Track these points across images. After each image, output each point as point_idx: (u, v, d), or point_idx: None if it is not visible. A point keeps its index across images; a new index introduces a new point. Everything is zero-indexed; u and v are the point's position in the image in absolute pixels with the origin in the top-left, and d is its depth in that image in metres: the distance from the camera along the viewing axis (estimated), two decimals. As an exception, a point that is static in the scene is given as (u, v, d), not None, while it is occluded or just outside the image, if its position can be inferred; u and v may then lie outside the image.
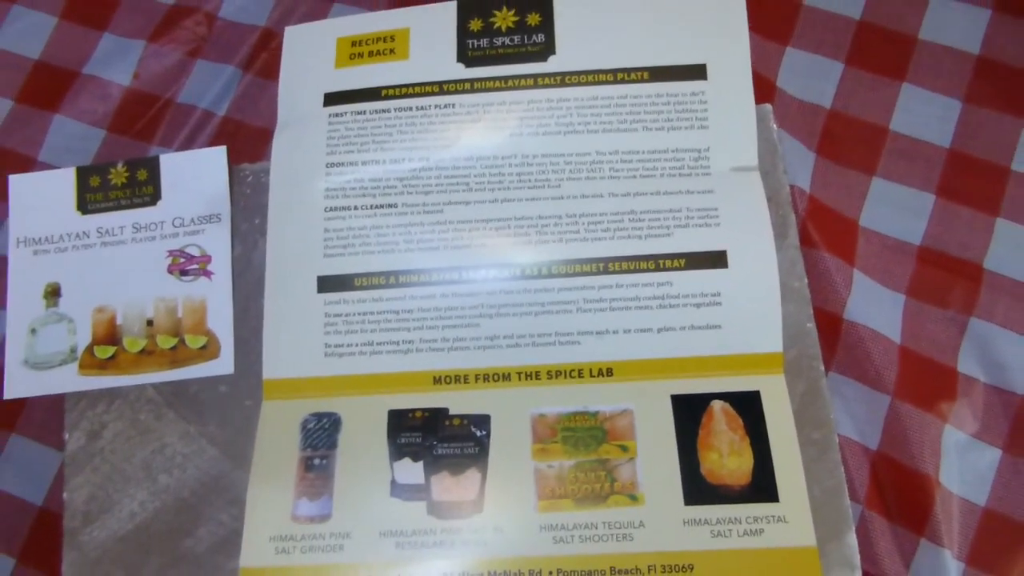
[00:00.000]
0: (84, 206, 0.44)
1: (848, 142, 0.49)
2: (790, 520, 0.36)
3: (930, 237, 0.47)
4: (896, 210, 0.48)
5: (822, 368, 0.40)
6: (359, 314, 0.41)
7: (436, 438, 0.39)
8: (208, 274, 0.43)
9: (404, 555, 0.36)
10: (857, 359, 0.45)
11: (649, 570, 0.35)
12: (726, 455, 0.37)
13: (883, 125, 0.49)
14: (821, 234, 0.47)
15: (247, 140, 0.49)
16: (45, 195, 0.44)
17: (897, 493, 0.43)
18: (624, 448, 0.38)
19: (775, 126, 0.44)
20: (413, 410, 0.40)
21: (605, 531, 0.36)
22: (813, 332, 0.40)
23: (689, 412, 0.38)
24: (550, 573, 0.36)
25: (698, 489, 0.37)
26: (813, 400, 0.39)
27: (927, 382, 0.44)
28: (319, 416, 0.40)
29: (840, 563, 0.37)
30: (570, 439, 0.38)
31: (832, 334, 0.45)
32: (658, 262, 0.40)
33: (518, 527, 0.37)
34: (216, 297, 0.42)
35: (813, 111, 0.50)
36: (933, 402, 0.44)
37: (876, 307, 0.46)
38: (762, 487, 0.37)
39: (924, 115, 0.49)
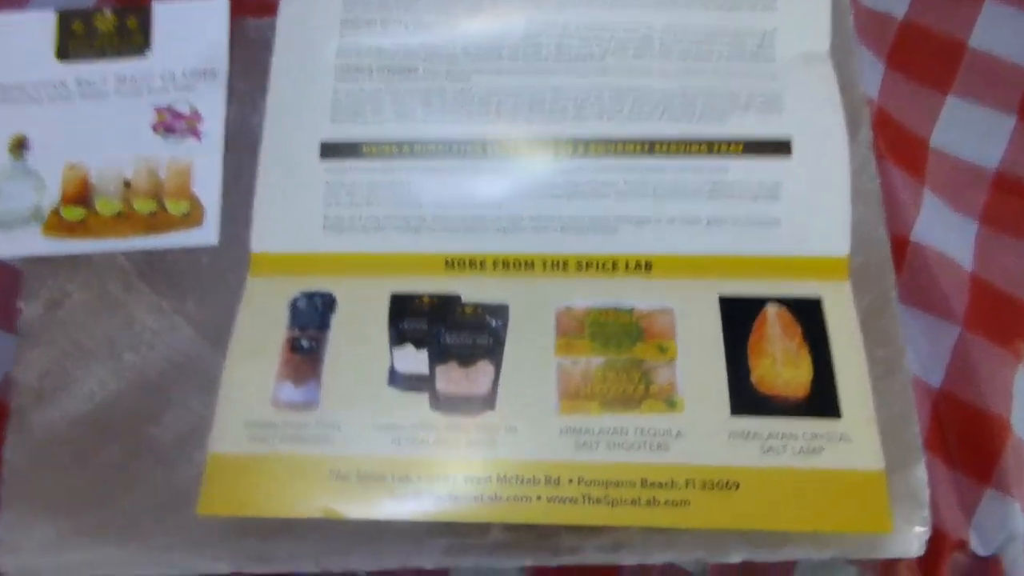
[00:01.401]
0: (64, 53, 0.39)
1: (922, 56, 0.44)
2: (854, 439, 0.31)
3: (1008, 162, 0.42)
4: (971, 132, 0.43)
5: (893, 278, 0.35)
6: (366, 185, 0.36)
7: (444, 326, 0.34)
8: (197, 134, 0.38)
9: (401, 452, 0.31)
10: (923, 285, 0.39)
11: (687, 484, 0.30)
12: (781, 364, 0.32)
13: (961, 40, 0.44)
14: (889, 148, 0.41)
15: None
16: (20, 38, 0.39)
17: (962, 436, 0.38)
18: (662, 349, 0.33)
19: (852, 15, 0.38)
20: (420, 295, 0.34)
21: (637, 438, 0.31)
22: (884, 239, 0.35)
23: (739, 315, 0.33)
24: (570, 481, 0.30)
25: (747, 398, 0.32)
26: (881, 313, 0.34)
27: (1001, 316, 0.39)
28: (311, 295, 0.35)
29: (906, 497, 0.31)
30: (600, 335, 0.33)
31: (897, 256, 0.39)
32: (711, 146, 0.35)
33: (535, 428, 0.31)
34: (204, 160, 0.37)
35: (885, 21, 0.45)
36: (1007, 338, 0.39)
37: (946, 231, 0.41)
38: (822, 401, 0.32)
39: (1006, 32, 0.44)
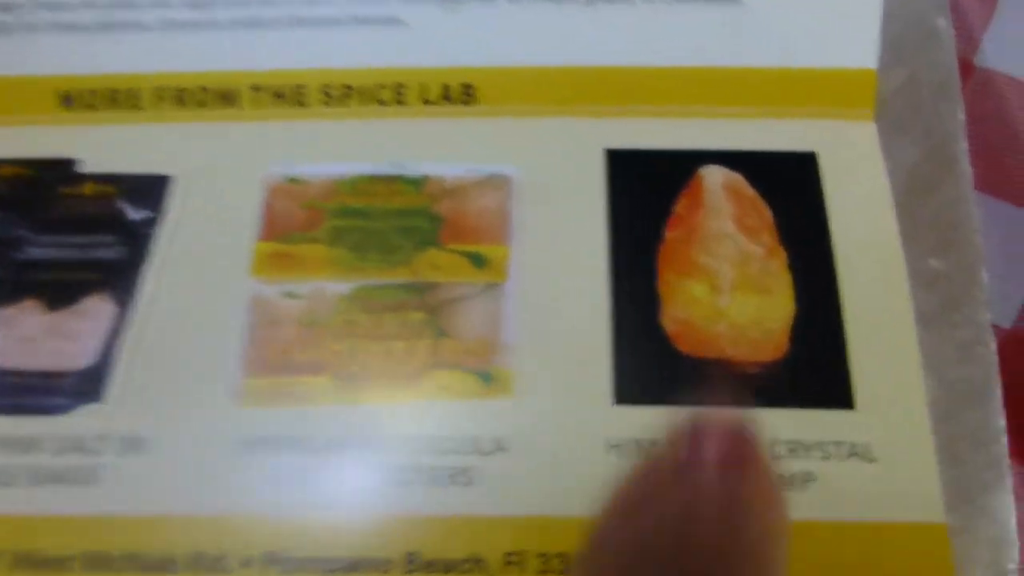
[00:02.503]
0: None
1: None
2: (879, 454, 0.14)
3: None
4: None
5: (961, 115, 0.18)
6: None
7: (30, 224, 0.16)
8: None
9: None
10: (992, 141, 0.22)
11: (522, 566, 0.14)
12: (729, 290, 0.15)
13: None
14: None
15: None
16: None
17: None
18: (479, 260, 0.16)
19: None
20: (-1, 162, 0.17)
21: (410, 460, 0.14)
22: (948, 37, 0.18)
23: (643, 188, 0.16)
24: (247, 562, 0.14)
25: (651, 367, 0.15)
26: (939, 185, 0.17)
27: None
28: None
29: (976, 558, 0.15)
30: (351, 233, 0.16)
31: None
32: None
33: (190, 443, 0.14)
34: None
35: None
36: None
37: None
38: (815, 372, 0.15)
39: None
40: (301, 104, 0.17)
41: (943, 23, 0.18)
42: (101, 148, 0.17)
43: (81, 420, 0.15)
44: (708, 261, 0.15)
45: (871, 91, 0.17)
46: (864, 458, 0.14)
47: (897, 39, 0.18)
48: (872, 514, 0.14)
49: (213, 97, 0.17)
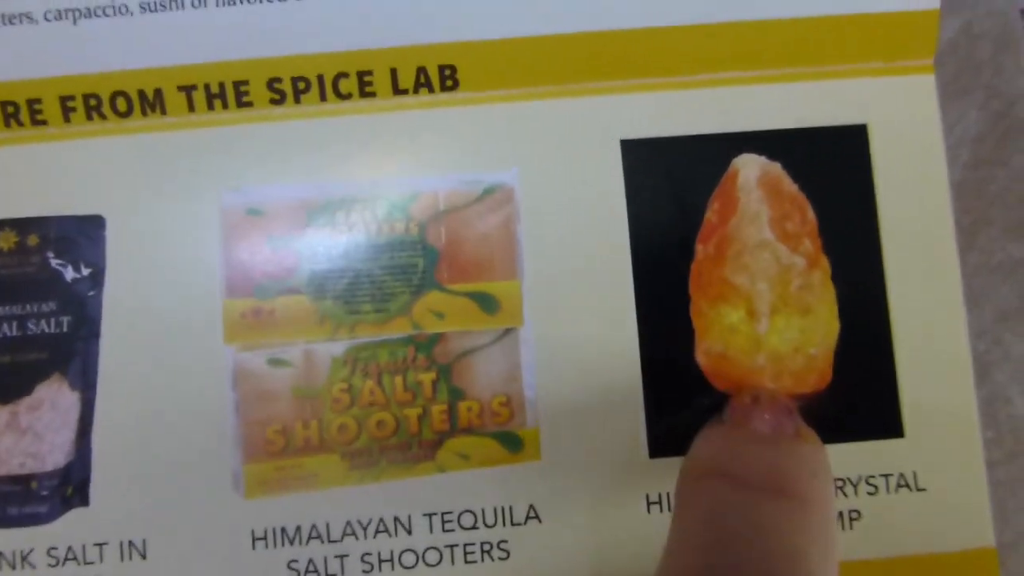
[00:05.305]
0: None
1: None
2: (927, 482, 0.14)
3: None
4: None
5: (1035, 54, 0.16)
6: None
7: (-54, 295, 0.14)
8: None
9: None
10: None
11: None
12: (767, 312, 0.14)
13: None
14: None
15: None
16: None
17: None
18: (487, 301, 0.14)
19: None
20: None
21: (439, 539, 0.14)
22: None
23: (669, 186, 0.14)
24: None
25: (691, 410, 0.14)
26: (1008, 154, 0.16)
27: None
28: None
29: None
30: (335, 280, 0.14)
31: None
32: None
33: (194, 542, 0.14)
34: None
35: None
36: None
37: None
38: (862, 401, 0.14)
39: None
40: (244, 105, 0.15)
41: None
42: (4, 181, 0.14)
43: (71, 528, 0.14)
44: (744, 281, 0.14)
45: (932, 37, 0.15)
46: (913, 488, 0.14)
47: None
48: (920, 547, 0.14)
49: (135, 100, 0.14)
